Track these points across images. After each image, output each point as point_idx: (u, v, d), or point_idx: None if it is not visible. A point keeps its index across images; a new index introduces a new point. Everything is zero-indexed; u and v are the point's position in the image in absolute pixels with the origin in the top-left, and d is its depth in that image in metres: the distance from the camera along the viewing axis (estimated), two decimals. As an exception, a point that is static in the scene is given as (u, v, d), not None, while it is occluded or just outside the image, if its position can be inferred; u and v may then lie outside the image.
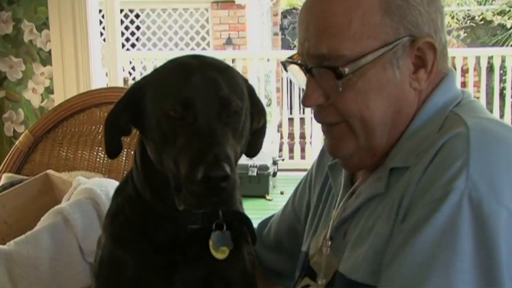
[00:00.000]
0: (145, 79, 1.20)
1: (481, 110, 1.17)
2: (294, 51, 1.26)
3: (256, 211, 5.60)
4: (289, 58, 1.26)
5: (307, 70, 1.19)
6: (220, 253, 1.18)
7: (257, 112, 1.22)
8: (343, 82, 1.13)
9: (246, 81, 1.21)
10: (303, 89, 1.23)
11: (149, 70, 5.83)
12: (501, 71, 7.51)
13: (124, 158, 1.98)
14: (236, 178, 1.05)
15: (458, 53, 7.50)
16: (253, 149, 1.25)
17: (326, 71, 1.14)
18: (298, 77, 1.24)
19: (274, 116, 8.02)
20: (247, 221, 1.24)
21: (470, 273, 0.97)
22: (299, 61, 1.22)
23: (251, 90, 1.21)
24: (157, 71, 1.19)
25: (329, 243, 1.27)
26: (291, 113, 8.01)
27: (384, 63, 1.13)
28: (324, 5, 1.16)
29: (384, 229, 1.10)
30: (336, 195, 1.32)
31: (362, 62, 1.12)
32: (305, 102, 1.20)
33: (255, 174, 6.08)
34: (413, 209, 1.05)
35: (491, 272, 0.97)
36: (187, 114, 1.08)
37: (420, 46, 1.15)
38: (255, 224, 1.62)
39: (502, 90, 7.62)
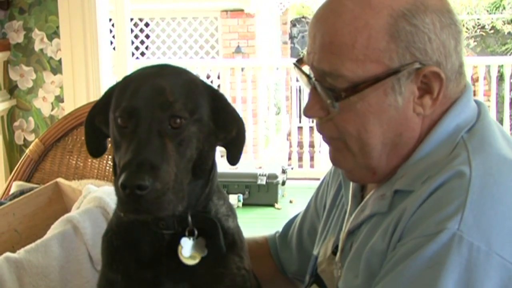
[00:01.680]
0: (117, 83, 1.21)
1: (494, 139, 1.13)
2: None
3: (265, 220, 5.60)
4: (298, 61, 1.25)
5: (310, 82, 1.19)
6: (190, 259, 1.17)
7: (227, 121, 1.20)
8: (342, 103, 1.13)
9: (210, 91, 1.19)
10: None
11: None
12: (511, 80, 7.49)
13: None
14: (160, 188, 1.05)
15: (468, 62, 7.45)
16: (231, 159, 1.23)
17: (326, 90, 1.14)
18: (303, 82, 1.24)
19: (283, 124, 8.02)
20: (215, 227, 1.20)
21: None
22: (305, 71, 1.21)
23: (217, 100, 1.19)
24: (125, 77, 1.20)
25: (339, 254, 1.27)
26: (300, 122, 8.02)
27: (385, 88, 1.11)
28: (331, 21, 1.14)
29: (379, 246, 1.11)
30: (346, 204, 1.32)
31: (362, 85, 1.11)
32: (305, 113, 1.21)
33: (264, 182, 6.08)
34: (405, 238, 1.05)
35: None
36: (130, 123, 1.10)
37: (426, 74, 1.11)
38: (257, 230, 1.61)
39: (512, 99, 7.59)
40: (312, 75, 1.19)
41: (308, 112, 1.20)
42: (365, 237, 1.17)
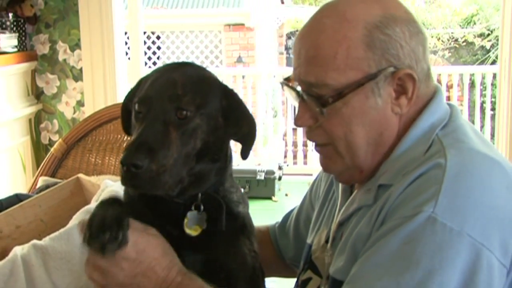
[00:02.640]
0: (150, 73, 1.21)
1: (466, 136, 1.13)
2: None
3: (264, 211, 5.60)
4: (285, 79, 1.24)
5: (298, 95, 1.18)
6: (192, 230, 1.16)
7: (238, 118, 1.18)
8: (328, 109, 1.13)
9: (223, 89, 1.18)
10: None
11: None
12: (481, 87, 7.48)
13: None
14: (155, 170, 1.04)
15: (444, 71, 7.48)
16: (241, 153, 1.22)
17: (313, 98, 1.14)
18: (292, 97, 1.23)
19: (280, 126, 8.01)
20: (220, 206, 1.19)
21: (418, 285, 0.97)
22: (292, 85, 1.21)
23: (229, 98, 1.17)
24: (153, 70, 1.21)
25: (330, 243, 1.27)
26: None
27: (366, 92, 1.11)
28: (314, 37, 1.14)
29: (364, 231, 1.11)
30: (337, 199, 1.32)
31: (345, 91, 1.11)
32: (296, 123, 1.20)
33: (262, 178, 6.07)
34: (387, 221, 1.06)
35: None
36: (143, 109, 1.11)
37: (401, 77, 1.12)
38: (256, 220, 1.59)
39: (482, 103, 7.59)
40: (299, 88, 1.18)
41: (298, 121, 1.19)
42: (353, 227, 1.17)
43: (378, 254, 1.03)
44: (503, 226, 1.01)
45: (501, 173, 1.07)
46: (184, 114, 1.09)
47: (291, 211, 1.59)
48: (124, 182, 1.08)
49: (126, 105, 1.23)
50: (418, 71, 1.13)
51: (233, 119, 1.17)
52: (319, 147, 1.22)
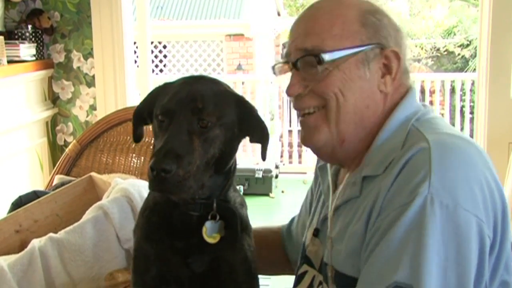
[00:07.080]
0: (162, 85, 1.20)
1: (439, 125, 1.13)
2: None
3: (262, 207, 5.60)
4: (276, 63, 1.25)
5: (293, 65, 1.17)
6: (212, 239, 1.16)
7: (251, 127, 1.18)
8: (322, 70, 1.13)
9: (238, 101, 1.17)
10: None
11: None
12: (461, 92, 7.49)
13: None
14: (182, 175, 1.04)
15: (427, 77, 7.49)
16: (262, 154, 1.21)
17: (309, 61, 1.14)
18: (283, 70, 1.23)
19: (276, 128, 8.01)
20: (234, 215, 1.20)
21: (433, 261, 0.96)
22: (286, 59, 1.21)
23: (243, 109, 1.17)
24: (168, 83, 1.20)
25: (317, 234, 1.26)
26: (290, 126, 8.01)
27: (356, 61, 1.13)
28: (312, 15, 1.17)
29: (358, 229, 1.08)
30: (323, 194, 1.30)
31: (339, 54, 1.12)
32: (289, 91, 1.18)
33: (260, 176, 6.06)
34: (384, 213, 1.03)
35: (455, 261, 0.96)
36: (166, 119, 1.10)
37: (387, 54, 1.14)
38: (255, 215, 1.58)
39: (462, 107, 7.59)
40: (293, 59, 1.18)
41: (290, 89, 1.18)
42: (343, 220, 1.15)
43: (387, 248, 0.99)
44: (486, 200, 1.00)
45: (477, 152, 1.06)
46: (206, 123, 1.09)
47: (295, 217, 1.56)
48: (152, 186, 1.07)
49: (139, 113, 1.22)
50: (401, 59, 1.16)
51: (246, 128, 1.17)
52: (307, 115, 1.19)
